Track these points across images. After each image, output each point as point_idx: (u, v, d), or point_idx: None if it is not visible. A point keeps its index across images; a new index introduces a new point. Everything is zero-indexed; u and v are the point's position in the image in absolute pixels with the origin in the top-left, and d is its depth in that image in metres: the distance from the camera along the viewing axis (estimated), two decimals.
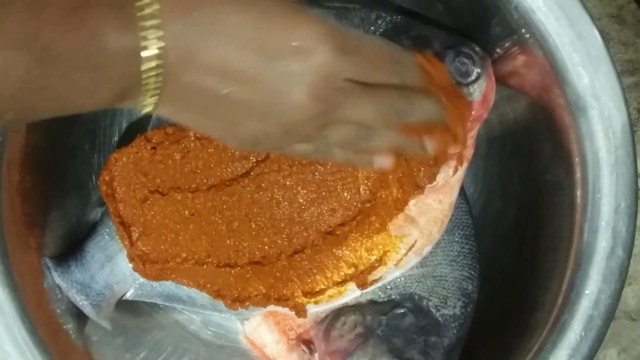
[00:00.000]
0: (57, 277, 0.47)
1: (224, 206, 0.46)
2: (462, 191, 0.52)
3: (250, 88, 0.29)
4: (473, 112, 0.46)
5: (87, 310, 0.48)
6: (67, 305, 0.48)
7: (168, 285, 0.49)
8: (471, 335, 0.49)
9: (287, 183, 0.46)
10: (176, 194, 0.47)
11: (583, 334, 0.41)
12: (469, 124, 0.46)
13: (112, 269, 0.49)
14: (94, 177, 0.52)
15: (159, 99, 0.29)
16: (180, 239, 0.47)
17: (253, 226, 0.46)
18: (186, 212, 0.46)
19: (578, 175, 0.42)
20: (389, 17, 0.48)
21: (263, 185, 0.46)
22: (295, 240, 0.46)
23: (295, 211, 0.46)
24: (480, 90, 0.46)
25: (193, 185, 0.47)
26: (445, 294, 0.49)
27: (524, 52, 0.44)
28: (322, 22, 0.30)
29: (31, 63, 0.26)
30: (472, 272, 0.50)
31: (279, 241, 0.47)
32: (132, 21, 0.27)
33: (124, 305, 0.51)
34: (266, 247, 0.47)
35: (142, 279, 0.49)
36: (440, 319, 0.48)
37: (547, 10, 0.41)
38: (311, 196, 0.46)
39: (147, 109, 0.30)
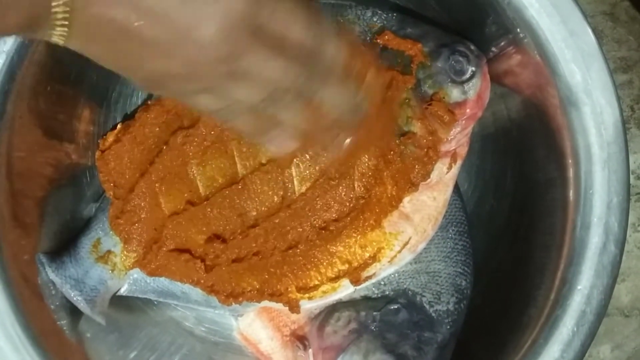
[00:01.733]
0: (51, 273, 0.47)
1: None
2: (456, 188, 0.52)
3: (159, 22, 0.28)
4: (468, 111, 0.46)
5: (82, 305, 0.48)
6: (61, 300, 0.48)
7: (162, 281, 0.49)
8: (464, 331, 0.49)
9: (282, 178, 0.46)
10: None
11: (575, 329, 0.41)
12: (464, 122, 0.46)
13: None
14: (88, 173, 0.52)
15: (68, 31, 0.28)
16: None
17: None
18: (180, 206, 0.47)
19: (570, 171, 0.42)
20: (384, 15, 0.48)
21: (258, 180, 0.46)
22: (289, 235, 0.46)
23: (289, 207, 0.46)
24: (475, 89, 0.46)
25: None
26: (439, 290, 0.49)
27: (518, 51, 0.44)
28: None
29: None
30: (466, 268, 0.50)
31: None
32: None
33: (118, 302, 0.51)
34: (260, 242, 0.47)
35: (136, 275, 0.49)
36: (433, 314, 0.48)
37: (539, 7, 0.41)
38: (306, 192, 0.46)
39: (58, 40, 0.29)
